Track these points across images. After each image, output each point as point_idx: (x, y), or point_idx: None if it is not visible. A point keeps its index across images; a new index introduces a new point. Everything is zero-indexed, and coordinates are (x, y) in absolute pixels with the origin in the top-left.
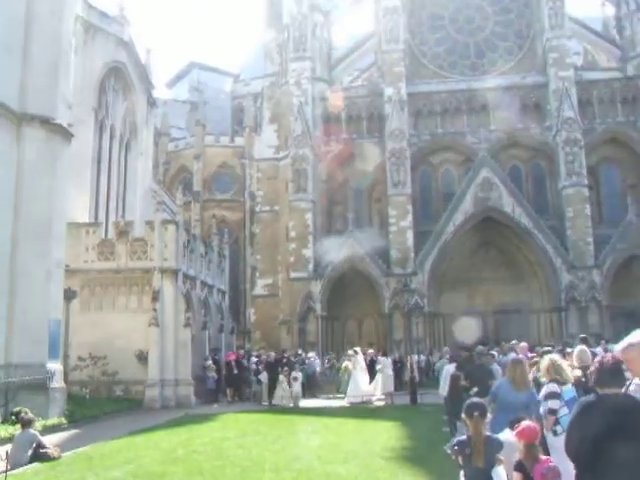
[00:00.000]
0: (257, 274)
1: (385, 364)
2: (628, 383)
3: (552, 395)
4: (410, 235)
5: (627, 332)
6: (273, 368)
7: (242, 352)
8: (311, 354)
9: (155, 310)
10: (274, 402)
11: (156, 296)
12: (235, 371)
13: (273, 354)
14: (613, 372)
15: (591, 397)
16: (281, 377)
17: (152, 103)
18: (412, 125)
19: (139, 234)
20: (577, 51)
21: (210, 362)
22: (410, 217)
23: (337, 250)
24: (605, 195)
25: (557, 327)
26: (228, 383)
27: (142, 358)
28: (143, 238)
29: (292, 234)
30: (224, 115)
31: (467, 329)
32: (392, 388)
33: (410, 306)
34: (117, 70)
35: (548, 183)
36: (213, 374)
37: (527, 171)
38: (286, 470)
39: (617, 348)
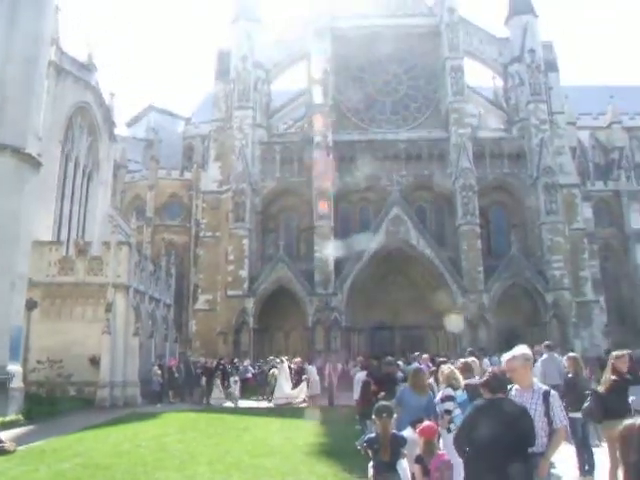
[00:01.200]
0: (199, 291)
1: (311, 371)
2: (509, 388)
3: (448, 398)
4: (331, 261)
5: (509, 346)
6: (211, 373)
7: (174, 359)
8: (246, 362)
9: (108, 320)
10: (211, 402)
11: (109, 308)
12: (176, 375)
13: (218, 360)
14: (500, 381)
15: (483, 401)
16: (217, 381)
17: (113, 139)
18: (336, 168)
19: (96, 253)
20: (473, 113)
21: (156, 367)
22: (332, 245)
23: (269, 271)
24: (493, 232)
25: (452, 342)
26: (170, 386)
27: (95, 362)
28: (100, 257)
29: (231, 257)
30: (176, 152)
31: (378, 342)
32: (318, 391)
33: (330, 321)
34: (83, 110)
35: (447, 221)
36: (158, 377)
37: (431, 210)
38: (219, 462)
39: (502, 360)
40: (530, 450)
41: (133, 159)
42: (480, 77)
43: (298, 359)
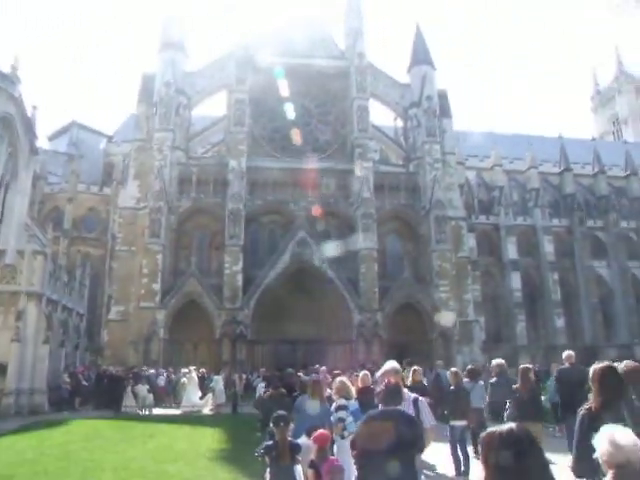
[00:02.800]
0: (112, 302)
1: (217, 381)
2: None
3: (341, 407)
4: (240, 278)
5: (399, 360)
6: (122, 381)
7: (83, 366)
8: (158, 371)
9: (17, 328)
10: (122, 410)
11: (20, 316)
12: (84, 382)
13: (130, 369)
14: (393, 393)
15: (377, 410)
16: (128, 389)
17: (34, 151)
18: (248, 191)
19: (10, 261)
20: (376, 149)
21: (65, 375)
22: (241, 263)
23: (181, 285)
24: (389, 257)
25: (349, 356)
26: (77, 393)
27: (2, 369)
28: (13, 265)
29: (145, 271)
30: (96, 168)
31: (281, 354)
32: (223, 400)
33: (236, 334)
34: (5, 120)
35: (349, 245)
36: (67, 385)
37: (334, 235)
38: (123, 470)
39: (377, 373)
40: None
41: (53, 172)
42: (383, 117)
43: (203, 369)
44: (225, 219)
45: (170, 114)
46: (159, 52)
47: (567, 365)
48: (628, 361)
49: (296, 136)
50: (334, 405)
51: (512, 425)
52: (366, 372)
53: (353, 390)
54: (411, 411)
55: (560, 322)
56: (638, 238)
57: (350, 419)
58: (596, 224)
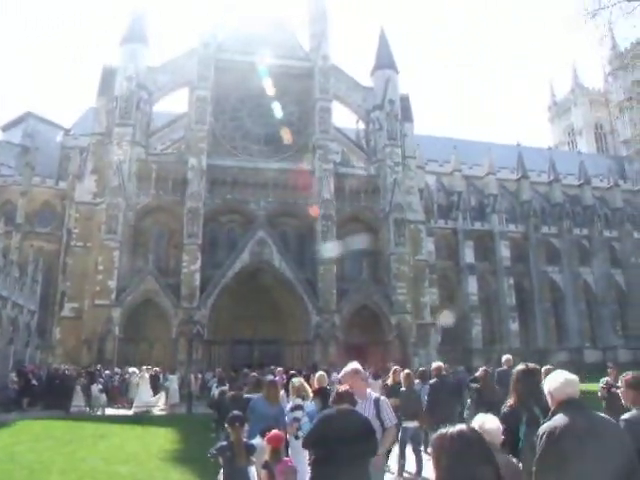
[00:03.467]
0: (66, 298)
1: (172, 380)
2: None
3: (297, 407)
4: (198, 277)
5: (355, 361)
6: (73, 381)
7: (31, 366)
8: (111, 370)
9: None
10: (73, 410)
11: None
12: (34, 382)
13: (82, 368)
14: (345, 394)
15: (331, 410)
16: (77, 388)
17: None
18: (208, 190)
19: None
20: (337, 151)
21: (13, 374)
22: (199, 262)
23: (138, 283)
24: (348, 258)
25: (306, 356)
26: (26, 393)
27: None
28: None
29: (100, 267)
30: (52, 161)
31: (238, 354)
32: (177, 400)
33: (193, 334)
34: None
35: (308, 246)
36: (14, 384)
37: (294, 235)
38: (73, 471)
39: (339, 375)
40: None
41: (6, 163)
42: (346, 119)
43: (157, 368)
44: (184, 217)
45: (131, 109)
46: (121, 45)
47: (505, 368)
48: (548, 365)
49: (258, 136)
50: (290, 405)
51: (462, 426)
52: (322, 373)
53: (309, 391)
54: (372, 410)
55: (514, 326)
56: (590, 245)
57: (305, 419)
58: (550, 230)
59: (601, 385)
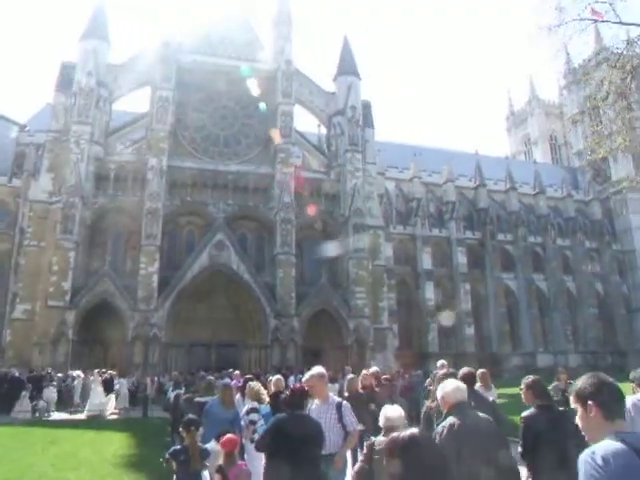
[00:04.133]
0: (17, 299)
1: (122, 384)
2: (310, 404)
3: (253, 410)
4: (156, 279)
5: (314, 365)
6: (21, 384)
7: None
8: (70, 373)
9: None
10: (13, 415)
11: None
12: None
13: (30, 372)
14: (300, 397)
15: (284, 414)
16: (23, 393)
17: None
18: (167, 191)
19: None
20: (298, 155)
21: None
22: (157, 264)
23: (93, 284)
24: (307, 262)
25: (264, 360)
26: None
27: None
28: None
29: (55, 268)
30: (6, 158)
31: (195, 358)
32: (126, 404)
33: (150, 337)
34: None
35: (267, 249)
36: None
37: (253, 238)
38: (19, 479)
39: (304, 378)
40: (329, 451)
41: None
42: (307, 124)
43: (111, 371)
44: (142, 218)
45: (90, 106)
46: (80, 40)
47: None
48: (465, 368)
49: (219, 138)
50: (245, 408)
51: (413, 431)
52: (279, 377)
53: (265, 394)
54: (334, 415)
55: (470, 330)
56: (543, 253)
57: (261, 422)
58: (506, 238)
59: (549, 389)
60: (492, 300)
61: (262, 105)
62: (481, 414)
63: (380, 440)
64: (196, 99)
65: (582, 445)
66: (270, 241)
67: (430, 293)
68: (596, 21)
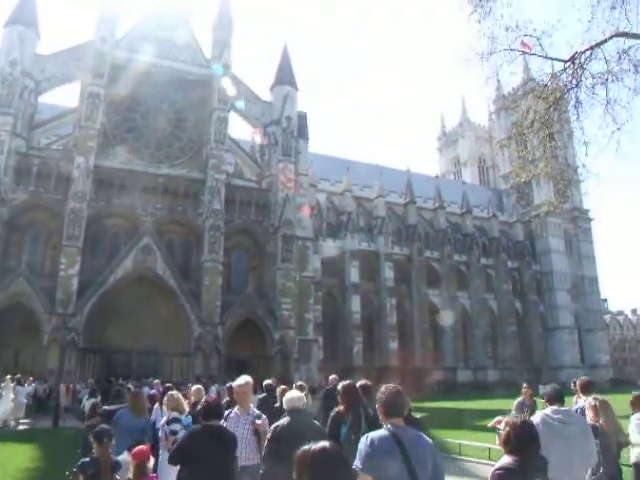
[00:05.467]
0: None
1: (20, 392)
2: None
3: (175, 420)
4: (76, 281)
5: (237, 375)
6: None
7: None
8: None
9: None
10: None
11: None
12: None
13: None
14: (215, 409)
15: (198, 426)
16: None
17: None
18: (94, 191)
19: None
20: (230, 162)
21: None
22: (78, 266)
23: (7, 284)
24: (234, 271)
25: (186, 368)
26: None
27: None
28: None
29: None
30: None
31: (115, 365)
32: (21, 414)
33: (67, 341)
34: None
35: (194, 256)
36: None
37: (180, 244)
38: None
39: (236, 382)
40: (242, 464)
41: None
42: (242, 131)
43: (30, 378)
44: (65, 218)
45: (13, 97)
46: (5, 26)
47: (331, 386)
48: (362, 380)
49: (150, 140)
50: (165, 418)
51: (325, 443)
52: (199, 387)
53: (185, 404)
54: (251, 426)
55: (394, 345)
56: (468, 271)
57: (183, 433)
58: (433, 255)
59: (515, 404)
60: (417, 315)
61: (217, 68)
62: (310, 420)
63: (283, 421)
64: (129, 98)
65: None
66: (198, 248)
67: (356, 306)
68: (525, 53)
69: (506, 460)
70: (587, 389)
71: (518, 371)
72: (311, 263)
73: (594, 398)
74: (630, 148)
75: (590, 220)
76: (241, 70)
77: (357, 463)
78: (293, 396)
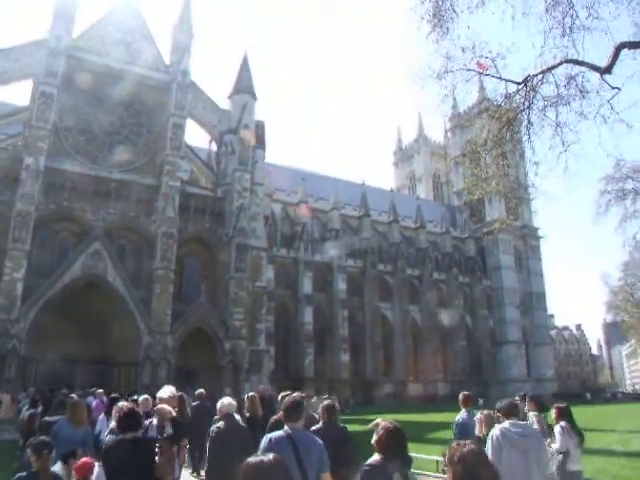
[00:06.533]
0: None
1: None
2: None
3: (112, 432)
4: (20, 286)
5: (187, 386)
6: None
7: None
8: None
9: None
10: None
11: None
12: None
13: None
14: (131, 421)
15: (114, 440)
16: None
17: None
18: (43, 194)
19: None
20: (186, 169)
21: None
22: (23, 270)
23: None
24: (186, 279)
25: (134, 378)
26: None
27: None
28: None
29: None
30: None
31: (59, 374)
32: None
33: (7, 349)
34: None
35: (146, 263)
36: None
37: (131, 250)
38: None
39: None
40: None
41: None
42: (198, 139)
43: None
44: (11, 220)
45: None
46: None
47: (199, 402)
48: (327, 401)
49: (104, 143)
50: (108, 429)
51: (270, 455)
52: (147, 397)
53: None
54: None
55: (345, 357)
56: (420, 285)
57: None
58: (386, 268)
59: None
60: (369, 328)
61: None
62: (239, 423)
63: (220, 425)
64: (84, 100)
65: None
66: (150, 255)
67: (309, 317)
68: (480, 73)
69: (374, 458)
70: (467, 403)
71: (467, 385)
72: (264, 273)
73: (481, 412)
74: (577, 169)
75: (539, 238)
76: (200, 77)
77: None
78: (226, 403)
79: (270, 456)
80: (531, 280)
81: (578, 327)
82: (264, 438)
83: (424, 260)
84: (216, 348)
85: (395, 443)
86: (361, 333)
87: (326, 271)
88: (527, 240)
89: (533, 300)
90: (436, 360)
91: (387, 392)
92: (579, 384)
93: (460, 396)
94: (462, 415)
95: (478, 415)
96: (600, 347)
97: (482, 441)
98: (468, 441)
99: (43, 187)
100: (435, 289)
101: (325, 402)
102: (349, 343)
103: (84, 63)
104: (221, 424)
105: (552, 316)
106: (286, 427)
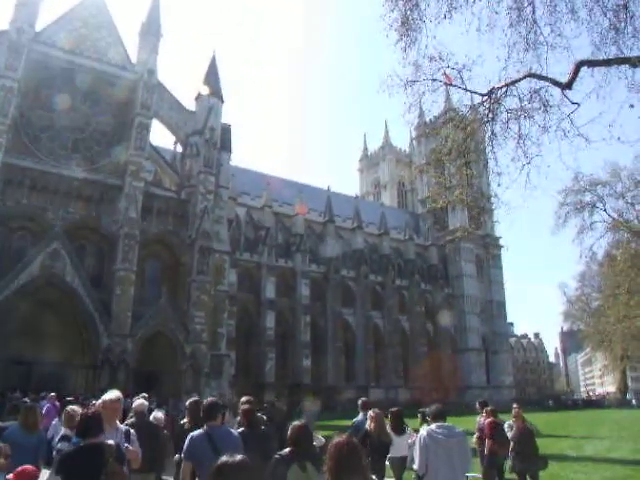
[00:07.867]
0: None
1: None
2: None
3: (64, 438)
4: None
5: (146, 389)
6: None
7: None
8: None
9: None
10: None
11: None
12: None
13: None
14: (91, 424)
15: (71, 448)
16: None
17: None
18: (0, 190)
19: None
20: (150, 169)
21: None
22: None
23: None
24: (147, 281)
25: (91, 382)
26: None
27: None
28: None
29: None
30: None
31: (13, 377)
32: None
33: None
34: None
35: (107, 264)
36: None
37: (92, 251)
38: None
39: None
40: None
41: None
42: (164, 138)
43: None
44: None
45: None
46: None
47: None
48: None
49: (67, 141)
50: (60, 435)
51: (239, 456)
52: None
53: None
54: (123, 443)
55: (307, 362)
56: (383, 291)
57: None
58: (349, 274)
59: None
60: (331, 334)
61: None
62: (151, 421)
63: (133, 421)
64: (46, 96)
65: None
66: (111, 256)
67: (271, 322)
68: (446, 84)
69: (284, 450)
70: (366, 407)
71: (427, 391)
72: (227, 277)
73: (373, 411)
74: (538, 181)
75: (500, 247)
76: (167, 78)
77: (183, 454)
78: (140, 402)
79: (237, 457)
80: (492, 288)
81: (536, 335)
82: (188, 436)
83: (387, 267)
84: (176, 352)
85: (301, 439)
86: (323, 338)
87: (289, 276)
88: (489, 249)
89: (493, 308)
90: (397, 366)
91: (349, 397)
92: (536, 391)
93: (359, 401)
94: (358, 417)
95: (370, 413)
96: (557, 355)
97: (370, 435)
98: (344, 435)
99: (1, 184)
100: (397, 295)
101: (243, 407)
102: (311, 348)
103: (48, 58)
104: (133, 421)
105: (512, 324)
106: (205, 426)
